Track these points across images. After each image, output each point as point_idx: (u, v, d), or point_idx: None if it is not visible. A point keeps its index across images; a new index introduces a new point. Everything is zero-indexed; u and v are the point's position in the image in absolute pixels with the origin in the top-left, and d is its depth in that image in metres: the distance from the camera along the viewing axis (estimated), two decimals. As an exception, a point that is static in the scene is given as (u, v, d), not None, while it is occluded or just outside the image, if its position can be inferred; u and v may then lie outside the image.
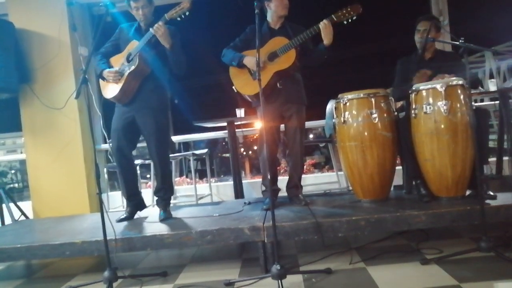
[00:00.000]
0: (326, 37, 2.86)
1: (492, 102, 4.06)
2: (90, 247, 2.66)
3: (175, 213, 3.21)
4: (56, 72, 4.47)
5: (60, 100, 4.34)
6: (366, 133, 2.86)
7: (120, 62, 3.06)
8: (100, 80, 3.13)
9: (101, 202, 2.44)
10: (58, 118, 4.45)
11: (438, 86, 2.67)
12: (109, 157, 4.68)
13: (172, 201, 4.32)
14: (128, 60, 3.00)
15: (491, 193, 2.66)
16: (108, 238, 2.44)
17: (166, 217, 3.08)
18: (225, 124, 4.00)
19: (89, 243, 2.66)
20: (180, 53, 3.01)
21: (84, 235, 2.82)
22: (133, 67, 2.95)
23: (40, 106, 4.43)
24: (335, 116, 3.08)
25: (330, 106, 3.91)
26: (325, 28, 2.83)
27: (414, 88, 2.80)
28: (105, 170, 4.60)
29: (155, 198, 3.24)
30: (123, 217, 3.16)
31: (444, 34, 3.95)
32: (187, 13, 2.77)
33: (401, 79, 3.21)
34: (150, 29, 2.87)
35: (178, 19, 2.80)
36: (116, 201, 4.67)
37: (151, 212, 3.42)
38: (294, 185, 3.18)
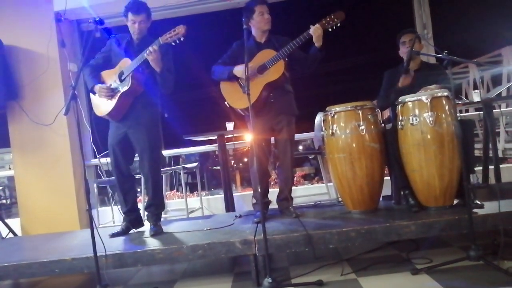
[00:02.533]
0: (317, 40, 2.93)
1: (477, 113, 4.14)
2: (80, 264, 2.63)
3: (166, 228, 3.20)
4: (45, 88, 4.46)
5: (49, 116, 4.33)
6: (354, 145, 2.90)
7: (112, 79, 3.06)
8: (91, 95, 3.13)
9: (91, 219, 2.42)
10: (47, 134, 4.43)
11: (423, 98, 2.72)
12: (99, 172, 4.65)
13: (163, 215, 4.29)
14: (121, 79, 3.01)
15: (478, 202, 2.70)
16: (98, 254, 2.43)
17: (157, 232, 3.06)
18: (215, 137, 4.02)
19: (79, 260, 2.63)
20: (169, 75, 3.01)
21: (74, 252, 2.79)
22: (126, 88, 2.96)
23: (29, 122, 4.41)
24: (323, 128, 3.11)
25: (319, 118, 3.95)
26: (315, 32, 2.90)
27: (400, 100, 2.86)
28: (95, 185, 4.57)
29: (146, 213, 3.22)
30: (116, 232, 3.14)
31: (428, 46, 4.04)
32: (181, 39, 2.79)
33: (386, 90, 3.28)
34: (145, 53, 2.85)
35: (173, 43, 2.82)
36: (107, 216, 4.63)
37: (142, 227, 3.40)
38: (285, 197, 3.19)
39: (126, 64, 2.98)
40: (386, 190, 3.20)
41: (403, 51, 3.23)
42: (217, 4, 4.71)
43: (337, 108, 2.98)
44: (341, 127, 2.94)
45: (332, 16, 2.88)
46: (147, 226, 3.19)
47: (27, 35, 4.48)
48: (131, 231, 3.21)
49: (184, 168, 4.27)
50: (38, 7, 4.47)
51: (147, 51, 2.83)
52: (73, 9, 4.43)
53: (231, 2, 4.30)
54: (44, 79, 4.46)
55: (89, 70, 3.10)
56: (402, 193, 3.03)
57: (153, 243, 2.77)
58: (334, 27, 2.90)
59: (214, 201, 4.80)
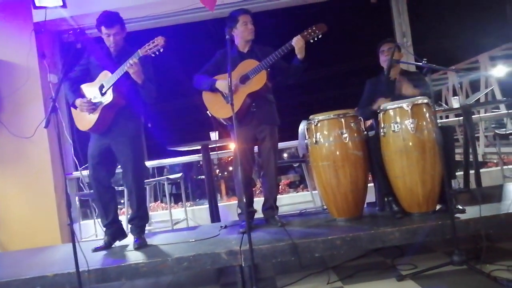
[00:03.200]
0: (300, 52, 2.94)
1: (457, 118, 4.22)
2: (62, 279, 2.56)
3: (150, 240, 3.15)
4: (25, 101, 4.38)
5: (29, 128, 4.24)
6: (338, 153, 2.92)
7: (92, 92, 3.02)
8: (73, 109, 3.09)
9: (72, 233, 2.38)
10: (27, 147, 4.34)
11: (404, 105, 2.77)
12: (81, 185, 4.58)
13: (147, 228, 4.24)
14: (102, 92, 2.97)
15: (460, 207, 2.74)
16: (80, 269, 2.38)
17: (140, 244, 3.00)
18: (199, 147, 4.00)
19: (61, 275, 2.56)
20: (151, 85, 2.99)
21: (56, 267, 2.72)
22: (108, 101, 2.92)
23: (8, 136, 4.31)
24: (307, 136, 3.13)
25: (302, 127, 3.97)
26: (297, 43, 2.92)
27: (382, 108, 2.89)
28: (76, 198, 4.49)
29: (129, 226, 3.17)
30: (99, 246, 3.07)
31: (408, 55, 4.11)
32: (161, 50, 2.77)
33: (366, 99, 3.34)
34: (125, 66, 2.82)
35: (152, 55, 2.80)
36: (89, 230, 4.54)
37: (126, 240, 3.35)
38: (270, 206, 3.19)
39: (106, 77, 2.94)
40: (370, 197, 3.22)
41: (383, 60, 3.30)
42: (200, 14, 4.72)
43: (320, 116, 3.00)
44: (325, 135, 2.96)
45: (314, 28, 2.91)
46: (130, 239, 3.14)
47: (5, 46, 4.40)
48: (115, 245, 3.16)
49: (168, 179, 4.23)
50: (17, 18, 4.40)
51: (128, 64, 2.81)
52: (53, 20, 4.37)
53: (214, 12, 4.30)
54: (24, 91, 4.38)
55: (68, 84, 3.06)
56: (386, 199, 3.06)
57: (137, 256, 2.72)
58: (315, 39, 2.92)
59: (199, 212, 4.76)
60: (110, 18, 2.94)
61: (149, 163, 4.75)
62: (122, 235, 3.20)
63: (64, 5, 4.07)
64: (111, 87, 2.90)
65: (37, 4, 4.04)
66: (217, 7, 4.24)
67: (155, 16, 4.69)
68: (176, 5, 4.50)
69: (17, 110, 4.37)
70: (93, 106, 2.97)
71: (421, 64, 2.58)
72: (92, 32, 4.27)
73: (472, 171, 3.75)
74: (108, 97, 2.92)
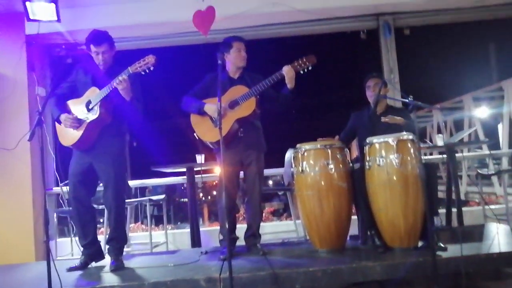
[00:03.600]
0: (290, 82, 2.98)
1: (440, 156, 4.28)
2: (32, 300, 2.48)
3: (128, 262, 3.07)
4: (9, 112, 4.31)
5: (11, 141, 4.14)
6: (323, 183, 2.92)
7: (79, 108, 2.99)
8: (57, 124, 3.04)
9: (48, 251, 2.31)
10: (7, 160, 4.24)
11: (390, 140, 2.81)
12: (60, 201, 4.47)
13: (125, 249, 4.14)
14: (88, 108, 2.95)
15: (442, 245, 2.75)
16: (53, 290, 2.29)
17: (117, 266, 2.92)
18: (184, 169, 3.96)
19: (32, 295, 2.48)
20: (138, 104, 2.99)
21: (27, 287, 2.62)
22: (94, 117, 2.90)
23: (-11, 147, 4.23)
24: (293, 165, 3.14)
25: (289, 155, 3.98)
26: (288, 73, 2.96)
27: (368, 141, 2.93)
28: (55, 215, 4.37)
29: (107, 246, 3.08)
30: (74, 266, 2.97)
31: (394, 90, 4.20)
32: (151, 68, 2.79)
33: (348, 131, 3.45)
34: (114, 82, 2.82)
35: (142, 73, 2.81)
36: (65, 248, 4.41)
37: (103, 261, 3.25)
38: (252, 233, 3.16)
39: (94, 93, 2.93)
40: (354, 229, 3.22)
41: (369, 95, 3.37)
42: (192, 38, 4.78)
43: (307, 146, 3.02)
44: (311, 164, 2.97)
45: (304, 59, 2.96)
46: (107, 260, 3.05)
47: (-6, 56, 4.37)
48: (90, 265, 3.06)
49: (150, 200, 4.17)
50: (9, 30, 4.38)
51: (117, 81, 2.80)
52: (45, 33, 4.37)
53: (207, 37, 4.37)
54: (9, 102, 4.32)
55: (54, 100, 3.03)
56: (368, 233, 3.05)
57: (112, 279, 2.65)
58: (305, 70, 2.97)
59: (179, 236, 4.67)
60: (98, 37, 2.96)
61: (132, 183, 4.67)
62: (100, 256, 3.11)
63: (58, 20, 4.08)
64: (98, 103, 2.88)
65: (31, 17, 4.03)
66: (210, 32, 4.31)
67: (148, 37, 4.73)
68: (170, 28, 4.55)
69: (0, 121, 4.29)
70: (77, 123, 2.93)
71: (407, 100, 2.63)
72: (84, 48, 4.28)
73: (454, 209, 3.79)
74: (95, 114, 2.90)
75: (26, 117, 4.33)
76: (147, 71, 2.80)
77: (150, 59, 2.78)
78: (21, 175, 4.27)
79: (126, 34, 4.49)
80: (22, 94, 4.36)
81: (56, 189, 4.60)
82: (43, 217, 2.34)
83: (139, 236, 4.79)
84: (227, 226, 2.93)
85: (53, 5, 4.00)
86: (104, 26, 4.18)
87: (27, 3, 3.95)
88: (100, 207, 3.94)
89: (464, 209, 3.97)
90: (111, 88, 2.84)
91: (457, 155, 3.83)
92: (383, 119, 3.10)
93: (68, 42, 4.61)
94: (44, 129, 2.87)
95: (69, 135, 2.99)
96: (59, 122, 3.00)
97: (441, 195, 4.06)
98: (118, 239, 3.04)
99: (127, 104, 2.91)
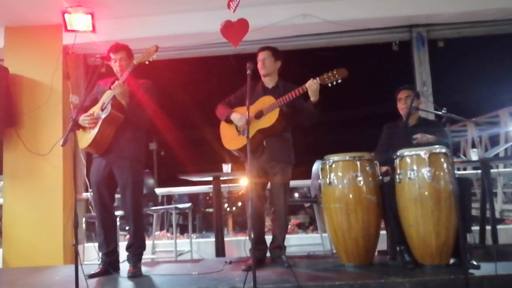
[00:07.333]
0: (313, 95, 2.93)
1: (475, 171, 4.13)
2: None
3: (152, 269, 3.09)
4: (44, 118, 4.46)
5: (45, 146, 4.30)
6: (351, 196, 2.86)
7: (95, 111, 3.08)
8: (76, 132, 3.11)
9: (76, 254, 2.34)
10: (41, 164, 4.37)
11: (422, 153, 2.72)
12: (90, 207, 4.56)
13: (150, 256, 4.17)
14: (102, 108, 3.02)
15: (475, 263, 2.63)
16: (79, 293, 2.32)
17: (134, 274, 2.92)
18: (210, 178, 3.97)
19: (58, 298, 2.51)
20: (139, 111, 3.03)
21: (54, 289, 2.67)
22: (106, 114, 2.95)
23: (24, 151, 4.37)
24: (321, 177, 3.09)
25: (316, 166, 3.94)
26: (311, 86, 2.91)
27: (398, 154, 2.85)
28: (83, 219, 4.46)
29: (126, 253, 3.08)
30: (95, 272, 2.99)
31: (427, 103, 4.09)
32: (154, 56, 2.89)
33: (384, 144, 3.31)
34: (112, 86, 2.92)
35: (147, 62, 2.91)
36: (92, 253, 4.48)
37: (123, 267, 3.27)
38: (278, 245, 3.12)
39: (107, 94, 3.02)
40: (382, 245, 3.13)
41: (400, 107, 3.28)
42: (222, 49, 4.82)
43: (335, 157, 2.97)
44: (339, 176, 2.92)
45: (334, 72, 2.86)
46: (124, 265, 3.05)
47: (33, 65, 4.53)
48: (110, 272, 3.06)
49: (176, 208, 4.19)
50: (48, 40, 4.56)
51: (113, 85, 2.90)
52: (81, 43, 4.51)
53: (237, 48, 4.40)
54: (44, 109, 4.46)
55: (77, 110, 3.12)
56: (398, 248, 2.96)
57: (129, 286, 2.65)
58: (334, 83, 2.87)
59: (204, 245, 4.67)
60: (117, 46, 3.10)
61: (158, 191, 4.73)
62: (117, 268, 3.11)
63: (93, 31, 4.22)
64: (110, 102, 2.95)
65: (68, 28, 4.19)
66: (241, 43, 4.33)
67: (179, 47, 4.81)
68: (201, 39, 4.61)
69: (35, 127, 4.44)
70: (95, 120, 2.99)
71: (440, 113, 2.55)
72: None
73: (488, 227, 3.63)
74: (107, 112, 2.96)
75: (60, 123, 4.46)
76: (151, 59, 2.90)
77: (152, 48, 2.88)
78: (53, 180, 4.38)
79: (160, 44, 4.58)
80: (57, 101, 4.50)
81: (86, 195, 4.70)
82: (73, 221, 2.38)
83: (164, 244, 4.81)
84: (252, 235, 2.90)
85: (89, 16, 4.15)
86: (138, 37, 4.33)
87: (66, 15, 4.12)
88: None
89: (499, 227, 3.80)
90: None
91: (492, 170, 3.70)
92: (414, 141, 3.00)
93: (103, 52, 4.74)
94: (77, 135, 2.95)
95: (86, 137, 3.03)
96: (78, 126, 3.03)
97: (474, 212, 3.90)
98: (137, 246, 3.05)
99: (124, 109, 2.96)
